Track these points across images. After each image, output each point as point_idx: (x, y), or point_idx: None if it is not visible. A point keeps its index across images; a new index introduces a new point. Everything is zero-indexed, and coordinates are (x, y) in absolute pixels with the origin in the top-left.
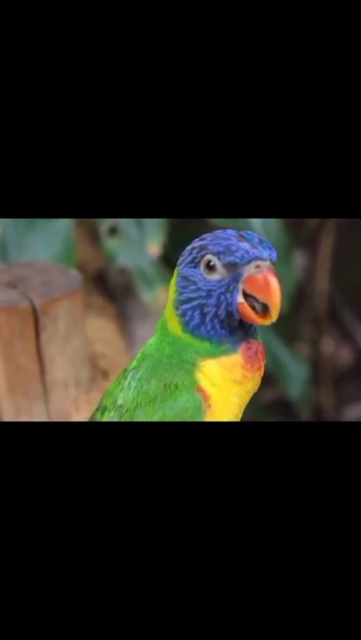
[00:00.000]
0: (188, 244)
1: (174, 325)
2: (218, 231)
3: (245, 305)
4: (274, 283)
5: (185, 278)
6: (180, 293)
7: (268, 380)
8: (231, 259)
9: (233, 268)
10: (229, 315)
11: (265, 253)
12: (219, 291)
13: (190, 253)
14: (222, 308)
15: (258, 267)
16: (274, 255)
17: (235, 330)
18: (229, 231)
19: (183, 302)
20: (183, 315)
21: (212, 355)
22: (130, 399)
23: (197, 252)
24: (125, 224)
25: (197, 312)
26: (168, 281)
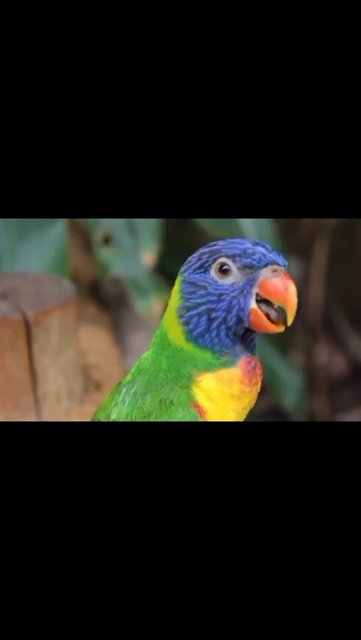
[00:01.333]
0: (183, 254)
1: (176, 335)
2: (229, 238)
3: (258, 311)
4: (292, 287)
5: (192, 284)
6: (187, 300)
7: (262, 389)
8: (248, 261)
9: (249, 270)
10: (239, 320)
11: (280, 259)
12: (232, 294)
13: (199, 259)
14: (233, 312)
15: (275, 271)
16: (287, 263)
17: (238, 341)
18: (241, 238)
19: (189, 308)
20: (188, 322)
21: (212, 368)
22: (124, 415)
23: (208, 257)
24: (119, 233)
25: (204, 318)
26: (162, 291)
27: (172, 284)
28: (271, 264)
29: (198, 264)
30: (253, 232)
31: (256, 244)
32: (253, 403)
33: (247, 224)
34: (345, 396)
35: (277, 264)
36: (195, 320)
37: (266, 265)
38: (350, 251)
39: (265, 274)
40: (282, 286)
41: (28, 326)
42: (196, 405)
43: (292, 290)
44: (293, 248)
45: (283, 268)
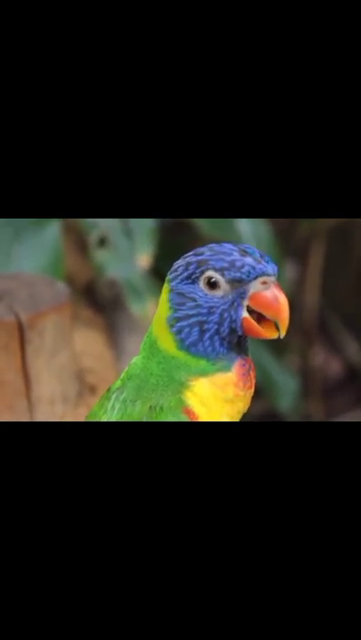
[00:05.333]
0: (179, 257)
1: (167, 343)
2: (214, 245)
3: (250, 320)
4: (282, 299)
5: (181, 295)
6: (176, 310)
7: (257, 393)
8: (237, 275)
9: (238, 284)
10: (232, 331)
11: (270, 268)
12: (222, 307)
13: (186, 269)
14: (225, 324)
15: (265, 283)
16: (276, 269)
17: (232, 347)
18: (228, 245)
19: (180, 319)
20: (179, 332)
21: (206, 373)
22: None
23: (195, 268)
24: (114, 235)
25: (196, 329)
26: (158, 294)
27: None
28: (261, 276)
29: (186, 274)
30: (250, 236)
31: (245, 252)
32: (247, 407)
33: (244, 228)
34: (340, 399)
35: (267, 275)
36: (186, 330)
37: (255, 277)
38: (346, 254)
39: (255, 286)
40: (273, 299)
41: (21, 329)
42: (188, 411)
43: (283, 302)
44: (289, 251)
45: (273, 279)
